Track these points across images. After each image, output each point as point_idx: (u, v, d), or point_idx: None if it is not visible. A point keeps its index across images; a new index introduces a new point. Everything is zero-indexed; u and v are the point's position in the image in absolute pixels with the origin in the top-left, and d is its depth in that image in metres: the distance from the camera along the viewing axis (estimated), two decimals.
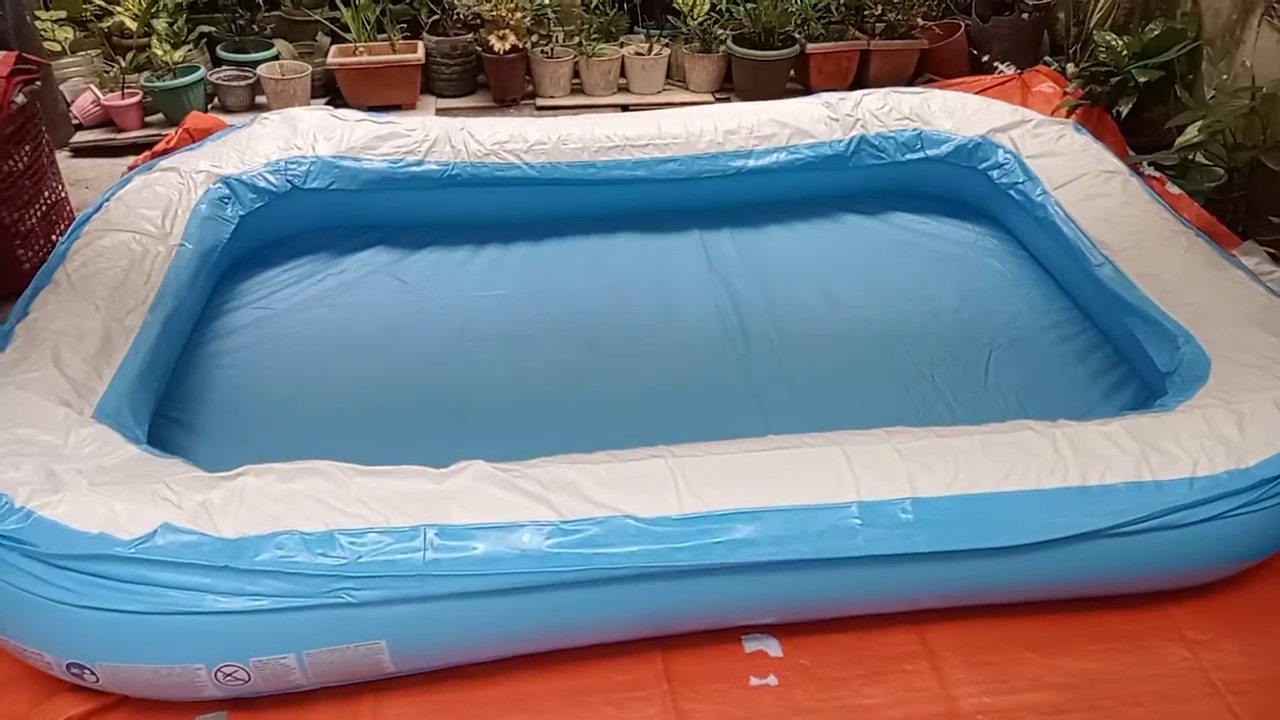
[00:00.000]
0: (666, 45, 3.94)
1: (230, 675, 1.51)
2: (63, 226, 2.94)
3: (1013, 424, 1.84)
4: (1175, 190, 2.81)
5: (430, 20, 3.89)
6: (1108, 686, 1.70)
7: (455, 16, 3.87)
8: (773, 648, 1.73)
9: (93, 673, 1.51)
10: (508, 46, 3.68)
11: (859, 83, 3.83)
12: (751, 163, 2.90)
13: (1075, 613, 1.80)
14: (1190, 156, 2.87)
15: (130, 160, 3.20)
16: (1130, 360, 2.39)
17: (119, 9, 3.61)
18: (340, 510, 1.56)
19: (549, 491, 1.61)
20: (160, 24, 3.62)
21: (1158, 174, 2.90)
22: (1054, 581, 1.74)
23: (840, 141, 2.94)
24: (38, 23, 3.64)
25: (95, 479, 1.60)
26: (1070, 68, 3.42)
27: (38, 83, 2.81)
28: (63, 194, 2.99)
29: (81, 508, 1.53)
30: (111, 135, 3.58)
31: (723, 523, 1.60)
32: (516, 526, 1.57)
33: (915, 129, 2.99)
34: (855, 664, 1.72)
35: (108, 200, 2.45)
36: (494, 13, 3.67)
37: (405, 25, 3.91)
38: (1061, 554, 1.68)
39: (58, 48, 3.73)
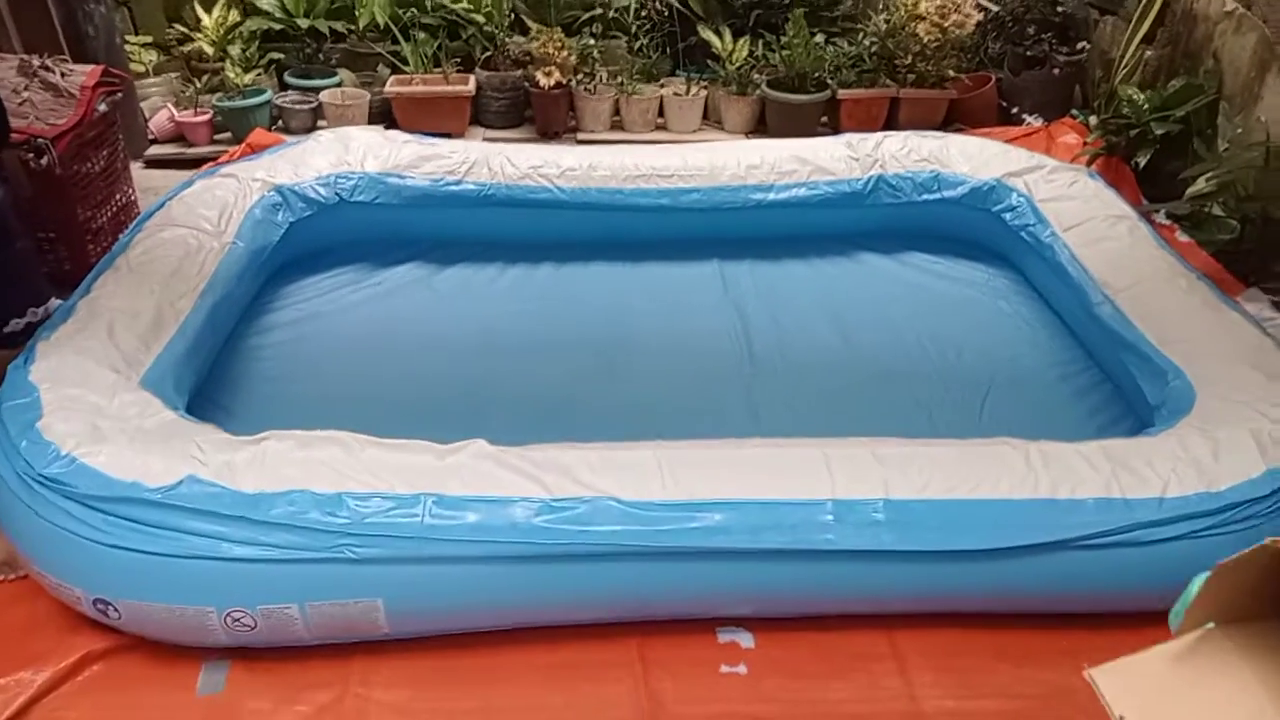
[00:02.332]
0: (704, 87, 4.12)
1: (238, 621, 1.64)
2: (131, 226, 3.18)
3: (991, 440, 1.92)
4: (1184, 239, 2.88)
5: (483, 56, 4.13)
6: (1073, 698, 1.73)
7: (506, 53, 4.10)
8: (745, 640, 1.81)
9: (115, 609, 1.65)
10: (553, 82, 3.89)
11: (888, 129, 3.95)
12: (771, 196, 3.03)
13: (1045, 627, 1.85)
14: (1205, 207, 2.94)
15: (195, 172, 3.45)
16: (1127, 397, 2.44)
17: (199, 35, 3.91)
18: (350, 476, 1.69)
19: (541, 471, 1.73)
20: (235, 50, 3.91)
21: (1169, 223, 2.97)
22: (1022, 592, 1.80)
23: (859, 180, 3.06)
24: (127, 46, 3.95)
25: (135, 436, 1.77)
26: (1094, 120, 3.51)
27: (119, 94, 3.06)
28: (133, 197, 3.24)
29: (119, 459, 1.69)
30: (182, 150, 3.85)
31: (702, 510, 1.71)
32: (509, 501, 1.69)
33: (933, 170, 3.09)
34: (824, 660, 1.79)
35: (171, 199, 2.66)
36: (542, 51, 3.89)
37: (460, 60, 4.15)
38: (1029, 564, 1.74)
39: (142, 69, 4.04)
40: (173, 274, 2.33)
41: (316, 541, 1.62)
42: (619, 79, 4.06)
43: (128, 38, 4.06)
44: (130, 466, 1.67)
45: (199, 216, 2.58)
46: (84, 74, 2.92)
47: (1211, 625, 1.09)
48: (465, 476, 1.72)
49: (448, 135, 3.96)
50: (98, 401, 1.85)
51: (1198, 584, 1.06)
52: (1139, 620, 1.84)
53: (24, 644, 1.76)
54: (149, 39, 4.16)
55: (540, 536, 1.65)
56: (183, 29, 4.09)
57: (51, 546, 1.65)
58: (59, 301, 2.23)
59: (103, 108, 2.95)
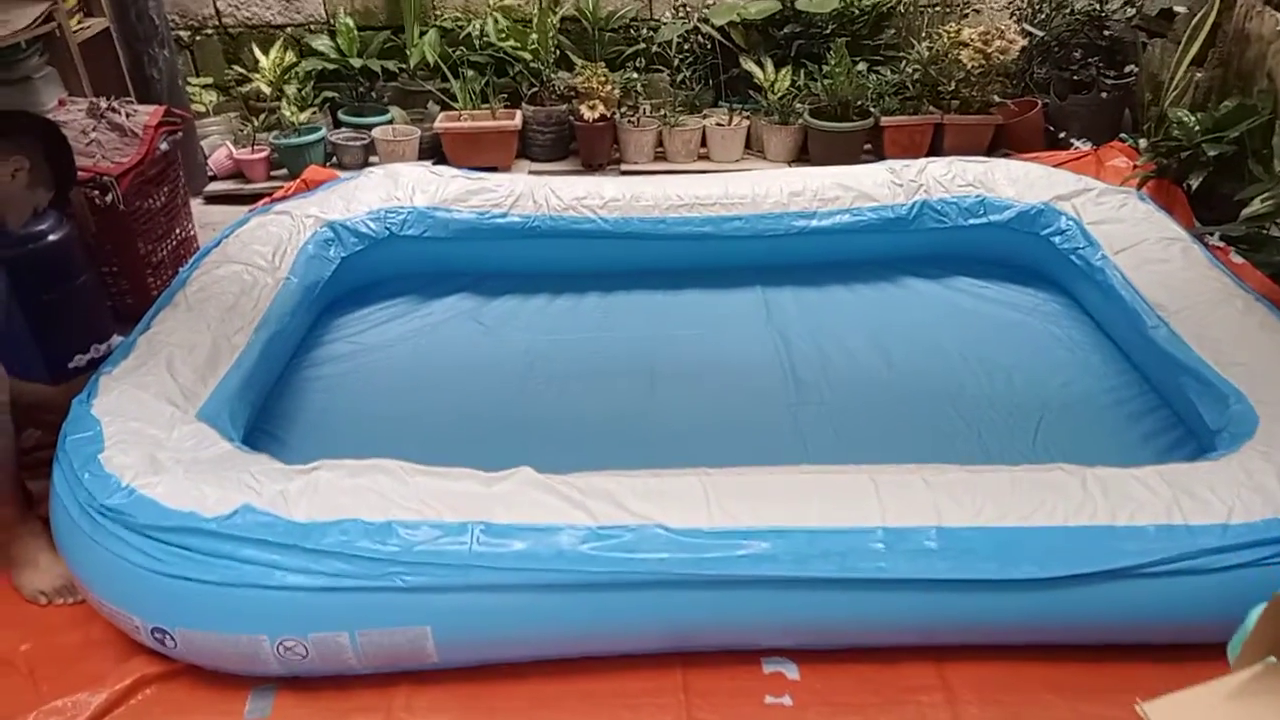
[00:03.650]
0: (746, 117, 4.14)
1: (290, 649, 1.66)
2: (189, 261, 3.28)
3: (1044, 465, 1.88)
4: (1239, 260, 2.81)
5: (530, 92, 4.20)
6: None
7: (552, 89, 4.17)
8: (790, 671, 1.79)
9: (173, 638, 1.68)
10: (597, 115, 3.95)
11: (933, 155, 3.93)
12: (815, 223, 3.03)
13: (1102, 661, 1.80)
14: (1263, 229, 2.87)
15: (252, 206, 3.55)
16: (1186, 422, 2.38)
17: (257, 76, 4.04)
18: (399, 504, 1.71)
19: (587, 499, 1.74)
20: (291, 89, 4.03)
21: (1223, 245, 2.91)
22: (1080, 623, 1.75)
23: (903, 205, 3.05)
24: (188, 87, 4.10)
25: (191, 468, 1.81)
26: (1144, 143, 3.46)
27: (180, 133, 3.18)
28: (192, 232, 3.34)
29: (176, 489, 1.73)
30: (240, 186, 3.97)
31: (748, 538, 1.70)
32: (555, 529, 1.69)
33: (978, 195, 3.07)
34: (871, 692, 1.75)
35: (227, 237, 2.75)
36: (586, 86, 3.95)
37: (507, 96, 4.23)
38: (1088, 593, 1.69)
39: (203, 109, 4.18)
40: (229, 309, 2.40)
41: (367, 570, 1.63)
42: (662, 111, 4.11)
43: (189, 80, 4.21)
44: (187, 496, 1.71)
45: (254, 253, 2.65)
46: (147, 114, 3.03)
47: (1272, 660, 1.05)
48: (512, 504, 1.73)
49: (494, 169, 4.04)
50: (156, 434, 1.90)
51: (1255, 616, 1.02)
52: (1199, 652, 1.78)
53: (81, 666, 1.81)
54: (209, 80, 4.31)
55: (587, 564, 1.65)
56: (241, 70, 4.24)
57: (112, 575, 1.70)
58: (120, 338, 2.30)
59: (164, 146, 3.06)
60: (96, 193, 2.77)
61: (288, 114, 3.90)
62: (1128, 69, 4.01)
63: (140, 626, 1.70)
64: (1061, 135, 3.97)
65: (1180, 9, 3.87)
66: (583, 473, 1.84)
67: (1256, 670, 1.03)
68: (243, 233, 2.77)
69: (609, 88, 3.94)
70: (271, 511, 1.68)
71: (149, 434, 1.90)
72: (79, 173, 2.50)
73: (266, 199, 3.33)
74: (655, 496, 1.75)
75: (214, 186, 3.96)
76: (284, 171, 3.99)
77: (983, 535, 1.71)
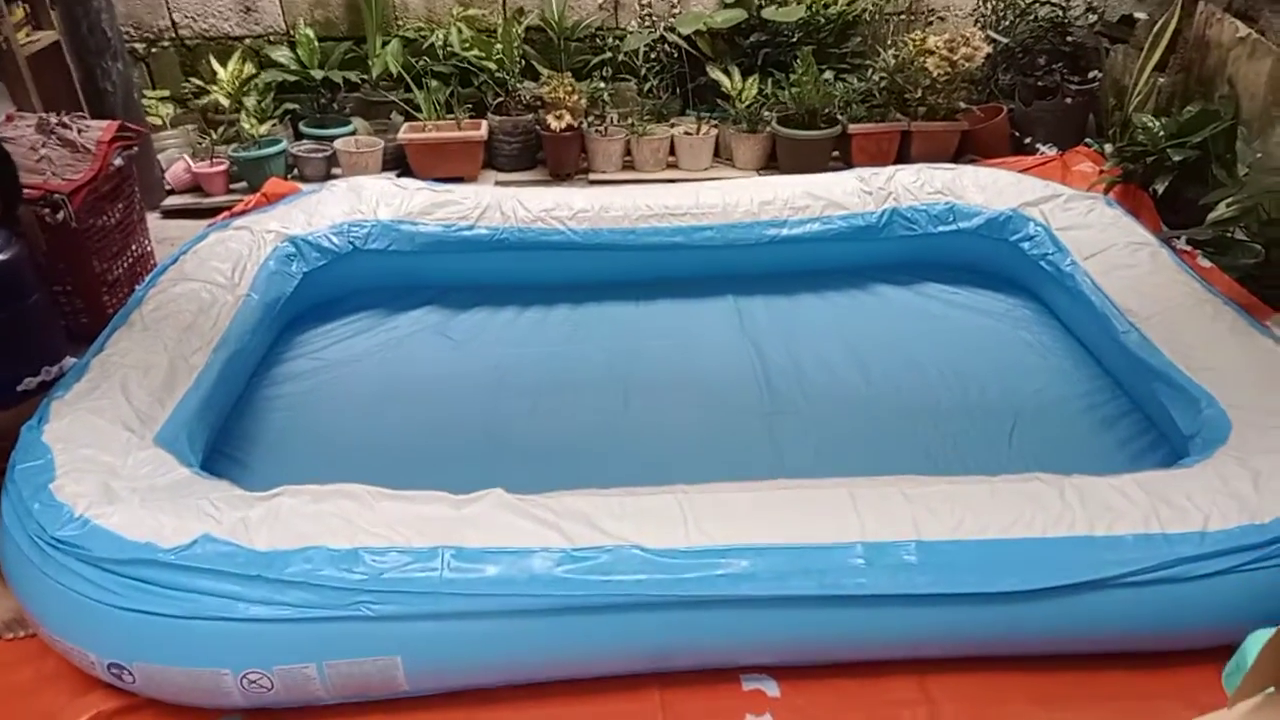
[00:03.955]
0: (715, 126, 4.12)
1: (255, 682, 1.60)
2: (146, 278, 3.19)
3: (1022, 475, 1.87)
4: (1206, 264, 2.83)
5: (495, 102, 4.15)
6: None
7: (518, 98, 4.13)
8: (770, 688, 1.75)
9: (130, 673, 1.61)
10: (564, 125, 3.91)
11: (900, 162, 3.94)
12: (785, 232, 3.02)
13: (1084, 670, 1.79)
14: (1228, 232, 2.90)
15: (210, 220, 3.47)
16: (1158, 425, 2.39)
17: (215, 88, 3.95)
18: (365, 530, 1.66)
19: (561, 520, 1.69)
20: (250, 101, 3.95)
21: (1190, 249, 2.93)
22: (1061, 634, 1.74)
23: (872, 213, 3.04)
24: (144, 100, 4.00)
25: (147, 496, 1.74)
26: (1109, 148, 3.48)
27: (135, 148, 3.09)
28: (149, 249, 3.25)
29: (132, 518, 1.66)
30: (198, 200, 3.88)
31: (727, 556, 1.66)
32: (529, 552, 1.65)
33: (947, 202, 3.07)
34: (853, 709, 1.73)
35: (184, 253, 2.67)
36: (553, 95, 3.91)
37: (472, 106, 4.17)
38: (1068, 604, 1.68)
39: (159, 122, 4.08)
40: (186, 329, 2.32)
41: (333, 599, 1.58)
42: (629, 120, 4.08)
43: (145, 92, 4.12)
44: (143, 526, 1.64)
45: (212, 269, 2.58)
46: (100, 129, 2.94)
47: (1271, 691, 1.03)
48: (483, 527, 1.68)
49: (460, 180, 3.99)
50: (111, 461, 1.83)
51: (1254, 646, 1.00)
52: (1177, 660, 1.80)
53: (33, 705, 1.73)
54: (166, 93, 4.21)
55: (562, 588, 1.61)
56: (199, 82, 4.14)
57: (64, 610, 1.62)
58: (73, 359, 2.22)
59: (118, 162, 2.97)
60: (47, 210, 2.68)
61: (247, 127, 3.82)
62: (1091, 75, 4.05)
63: (96, 662, 1.63)
64: (1027, 141, 3.99)
65: (1141, 16, 3.92)
66: (556, 492, 1.80)
67: (1257, 702, 1.00)
68: (201, 249, 2.69)
69: (575, 97, 3.91)
70: (232, 540, 1.62)
71: (102, 461, 1.83)
72: (28, 190, 2.41)
73: (226, 213, 3.24)
74: (631, 516, 1.71)
75: (171, 201, 3.86)
76: (243, 185, 3.91)
77: (963, 548, 1.69)
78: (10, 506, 1.73)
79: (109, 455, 1.85)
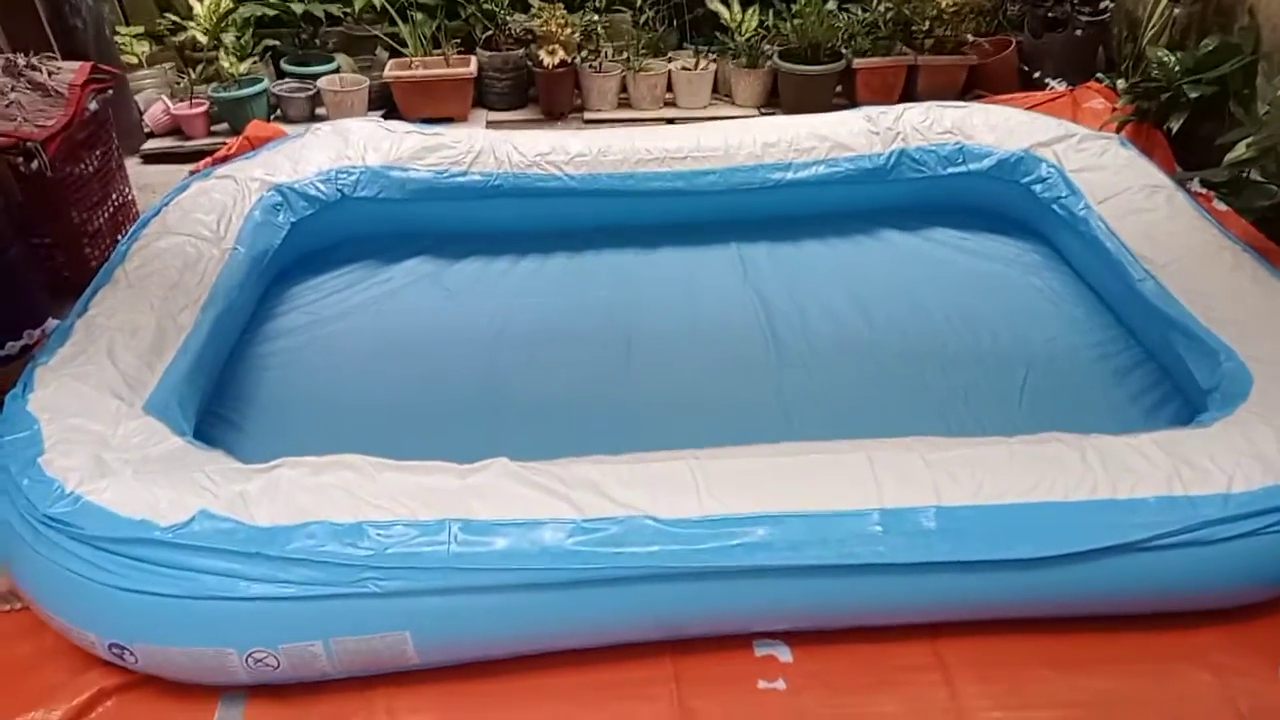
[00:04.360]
0: (713, 60, 3.98)
1: (260, 661, 1.56)
2: (128, 227, 3.06)
3: (1042, 436, 1.82)
4: (1222, 207, 2.75)
5: (484, 36, 3.99)
6: (1126, 707, 1.65)
7: (508, 32, 3.96)
8: (783, 653, 1.73)
9: (132, 653, 1.57)
10: (556, 61, 3.76)
11: (906, 97, 3.81)
12: (790, 175, 2.92)
13: (1098, 631, 1.77)
14: (1244, 174, 2.81)
15: (193, 166, 3.34)
16: (1173, 377, 2.34)
17: (191, 24, 3.77)
18: (369, 502, 1.60)
19: (570, 489, 1.64)
20: (228, 38, 3.77)
21: (1206, 191, 2.84)
22: (1081, 597, 1.71)
23: (880, 155, 2.94)
24: (117, 37, 3.82)
25: (140, 468, 1.68)
26: (1122, 84, 3.37)
27: (110, 91, 2.95)
28: (130, 196, 3.13)
29: (125, 494, 1.60)
30: (179, 143, 3.73)
31: (742, 525, 1.62)
32: (538, 523, 1.60)
33: (957, 142, 2.97)
34: (866, 673, 1.71)
35: (166, 205, 2.56)
36: (545, 29, 3.75)
37: (460, 40, 4.01)
38: (1089, 568, 1.65)
39: (135, 60, 3.91)
40: (172, 287, 2.23)
41: (338, 576, 1.53)
42: (625, 55, 3.92)
43: (118, 29, 3.93)
44: (138, 502, 1.58)
45: (196, 222, 2.48)
46: (72, 71, 2.81)
47: None
48: (490, 498, 1.63)
49: (450, 119, 3.86)
50: (101, 431, 1.76)
51: None
52: (1193, 620, 1.78)
53: (33, 681, 1.69)
54: (140, 29, 4.02)
55: (573, 561, 1.56)
56: (174, 18, 3.96)
57: (61, 590, 1.57)
58: (55, 321, 2.13)
59: (93, 106, 2.83)
60: (20, 160, 2.56)
61: (226, 65, 3.65)
62: (1102, 5, 3.90)
63: (96, 642, 1.59)
64: (1036, 75, 3.87)
65: None
66: (564, 459, 1.74)
67: None
68: (183, 200, 2.58)
69: (569, 31, 3.75)
70: (231, 516, 1.57)
71: (92, 431, 1.76)
72: None
73: (208, 159, 3.12)
74: (642, 484, 1.66)
75: (151, 144, 3.72)
76: (225, 126, 3.77)
77: (983, 514, 1.65)
78: None
79: (98, 424, 1.78)
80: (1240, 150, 2.70)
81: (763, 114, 3.89)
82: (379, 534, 1.56)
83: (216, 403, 2.28)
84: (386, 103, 3.91)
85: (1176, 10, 3.47)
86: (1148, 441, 1.77)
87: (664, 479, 1.68)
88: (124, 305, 2.15)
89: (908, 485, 1.67)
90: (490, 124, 3.87)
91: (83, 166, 2.79)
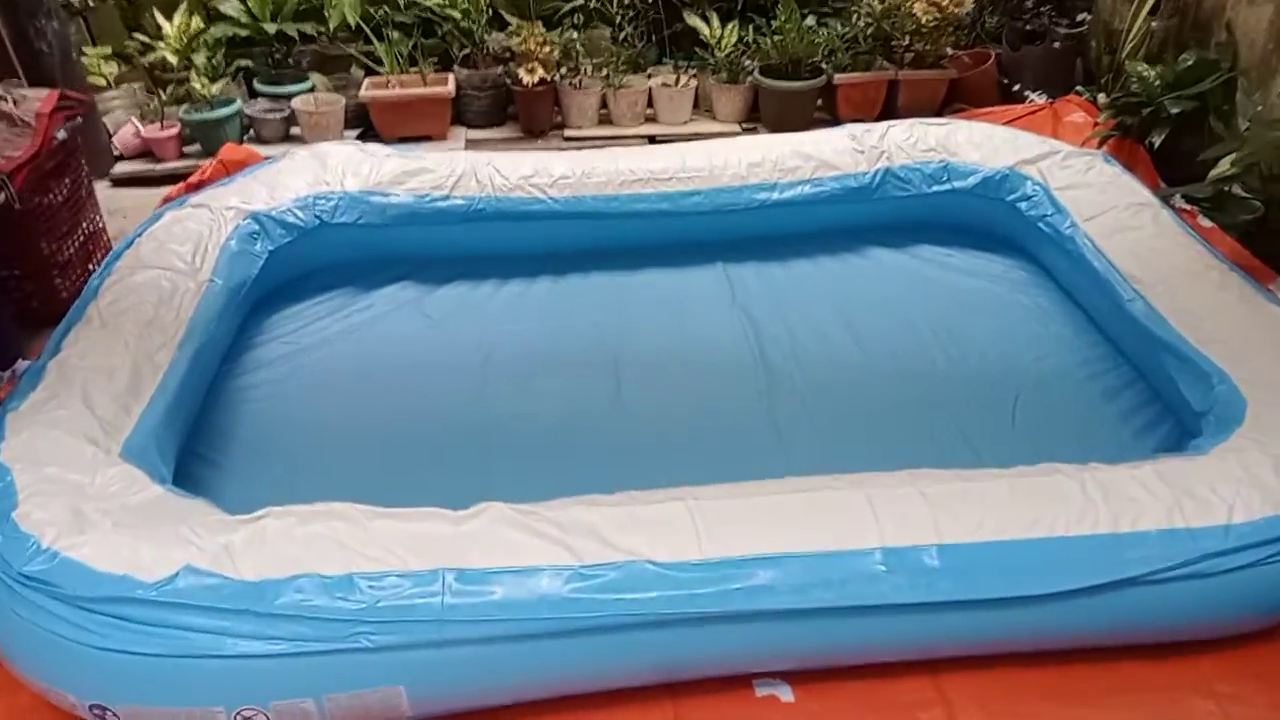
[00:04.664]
0: (694, 76, 3.95)
1: (250, 719, 1.51)
2: (99, 256, 3.00)
3: (1042, 467, 1.81)
4: (1207, 223, 2.76)
5: (461, 54, 3.94)
6: None
7: (486, 50, 3.92)
8: (784, 693, 1.70)
9: (115, 714, 1.51)
10: (536, 80, 3.71)
11: (887, 112, 3.82)
12: (775, 195, 2.90)
13: (1099, 662, 1.76)
14: (1226, 189, 2.82)
15: (166, 191, 3.26)
16: (1163, 398, 2.34)
17: (161, 45, 3.69)
18: (359, 552, 1.56)
19: (567, 535, 1.60)
20: (200, 59, 3.70)
21: (1189, 206, 2.85)
22: (1082, 630, 1.70)
23: (865, 174, 2.93)
24: (84, 59, 3.73)
25: (120, 519, 1.62)
26: (1102, 98, 3.38)
27: (78, 118, 2.87)
28: (100, 224, 3.05)
29: (105, 549, 1.54)
30: (150, 166, 3.65)
31: (743, 568, 1.59)
32: (535, 570, 1.56)
33: (942, 160, 2.97)
34: (869, 711, 1.68)
35: (140, 236, 2.49)
36: (523, 46, 3.71)
37: (437, 59, 3.96)
38: (1090, 602, 1.64)
39: (103, 82, 3.82)
40: (148, 324, 2.17)
41: (329, 631, 1.48)
42: (604, 71, 3.89)
43: (85, 50, 3.84)
44: (119, 558, 1.53)
45: (171, 254, 2.42)
46: (39, 100, 2.72)
47: None
48: (485, 545, 1.59)
49: (428, 138, 3.81)
50: (77, 480, 1.71)
51: None
52: (1194, 649, 1.77)
53: None
54: (108, 50, 3.93)
55: (572, 610, 1.52)
56: (144, 38, 3.87)
57: (38, 650, 1.52)
58: (25, 362, 2.07)
59: (61, 134, 2.75)
60: None
61: (198, 86, 3.58)
62: (1079, 17, 3.92)
63: (76, 704, 1.53)
64: (1015, 88, 3.87)
65: None
66: (558, 501, 1.71)
67: None
68: (157, 230, 2.52)
69: (547, 49, 3.71)
70: (216, 571, 1.51)
71: (68, 480, 1.70)
72: None
73: (181, 185, 3.05)
74: (640, 527, 1.63)
75: (121, 168, 3.63)
76: (197, 148, 3.69)
77: (986, 551, 1.63)
78: None
79: (74, 473, 1.72)
80: (1224, 167, 2.71)
81: (744, 130, 3.88)
82: (370, 586, 1.52)
83: (194, 439, 2.22)
84: (363, 122, 3.85)
85: (1154, 24, 3.49)
86: (1149, 471, 1.76)
87: (662, 521, 1.64)
88: (98, 345, 2.09)
89: (909, 522, 1.65)
90: (470, 142, 3.82)
91: (51, 196, 2.72)
